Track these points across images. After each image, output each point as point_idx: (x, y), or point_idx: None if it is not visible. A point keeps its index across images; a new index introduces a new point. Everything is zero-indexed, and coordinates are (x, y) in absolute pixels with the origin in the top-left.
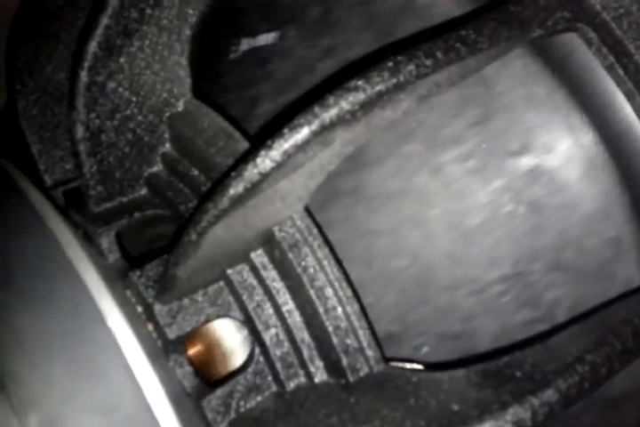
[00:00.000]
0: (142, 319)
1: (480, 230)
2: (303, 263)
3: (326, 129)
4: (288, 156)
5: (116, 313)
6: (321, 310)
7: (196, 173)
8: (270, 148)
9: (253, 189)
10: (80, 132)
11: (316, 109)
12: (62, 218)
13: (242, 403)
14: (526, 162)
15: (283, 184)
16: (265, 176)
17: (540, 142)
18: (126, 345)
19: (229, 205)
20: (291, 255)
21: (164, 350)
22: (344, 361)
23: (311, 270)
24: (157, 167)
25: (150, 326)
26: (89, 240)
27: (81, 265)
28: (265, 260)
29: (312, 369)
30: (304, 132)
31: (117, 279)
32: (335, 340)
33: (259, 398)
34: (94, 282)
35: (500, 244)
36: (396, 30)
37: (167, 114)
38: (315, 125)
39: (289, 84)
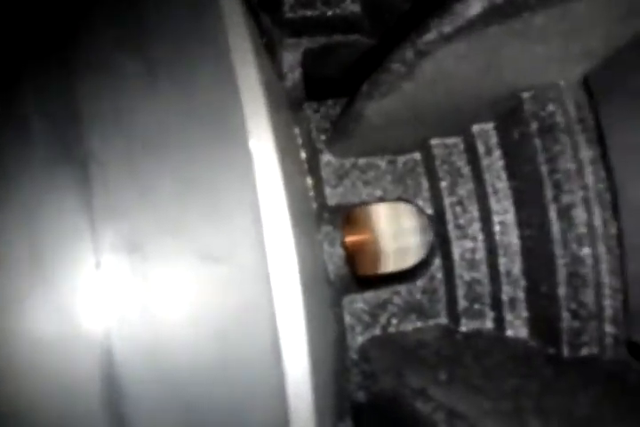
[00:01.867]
0: (301, 170)
1: None
2: (553, 156)
3: None
4: None
5: (265, 139)
6: (556, 233)
7: None
8: None
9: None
10: None
11: None
12: (245, 17)
13: (394, 321)
14: None
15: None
16: None
17: None
18: (266, 188)
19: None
20: (537, 141)
21: (317, 216)
22: (565, 326)
23: (560, 171)
24: None
25: (309, 181)
26: (270, 53)
27: (244, 76)
28: (493, 138)
29: (508, 317)
30: None
31: (286, 109)
32: (564, 291)
33: (419, 324)
34: (252, 98)
35: None
36: None
37: None
38: None
39: None
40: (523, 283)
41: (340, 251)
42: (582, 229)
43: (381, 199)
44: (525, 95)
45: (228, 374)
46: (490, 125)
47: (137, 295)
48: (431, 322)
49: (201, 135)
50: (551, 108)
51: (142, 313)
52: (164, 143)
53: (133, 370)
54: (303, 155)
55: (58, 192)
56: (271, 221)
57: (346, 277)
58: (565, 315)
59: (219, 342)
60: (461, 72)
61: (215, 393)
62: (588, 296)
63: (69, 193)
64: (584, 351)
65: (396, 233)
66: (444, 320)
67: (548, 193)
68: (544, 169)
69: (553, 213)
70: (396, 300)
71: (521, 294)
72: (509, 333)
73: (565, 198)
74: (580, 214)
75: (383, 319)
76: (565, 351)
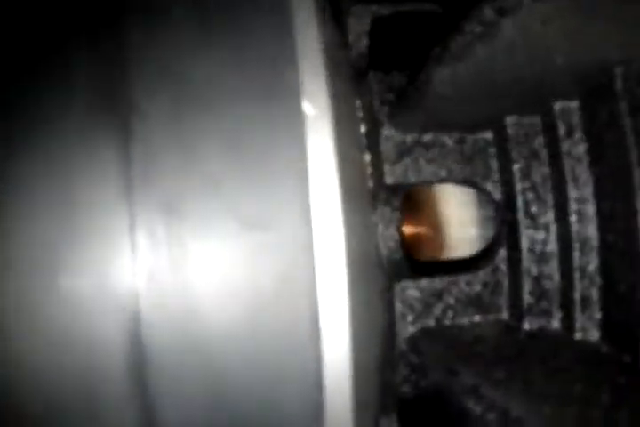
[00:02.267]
0: (359, 144)
1: None
2: None
3: None
4: None
5: (320, 102)
6: None
7: None
8: None
9: None
10: None
11: None
12: None
13: (450, 313)
14: None
15: None
16: None
17: None
18: (317, 156)
19: None
20: (628, 122)
21: (373, 195)
22: None
23: None
24: None
25: (367, 157)
26: (336, 21)
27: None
28: (576, 118)
29: (578, 318)
30: None
31: (349, 79)
32: None
33: (477, 319)
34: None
35: None
36: None
37: None
38: None
39: None
40: (598, 281)
41: (395, 234)
42: None
43: (445, 180)
44: (619, 70)
45: (259, 351)
46: (574, 103)
47: (171, 259)
48: (491, 317)
49: (252, 93)
50: None
51: (175, 278)
52: (212, 99)
53: (161, 337)
54: (363, 128)
55: (96, 141)
56: (319, 192)
57: (400, 262)
58: None
59: (253, 314)
60: (547, 36)
61: (245, 370)
62: None
63: (108, 144)
64: None
65: (460, 219)
66: (505, 316)
67: (637, 182)
68: (633, 154)
69: (639, 205)
70: (454, 290)
71: (595, 294)
72: (579, 335)
73: None
74: None
75: (437, 310)
76: None
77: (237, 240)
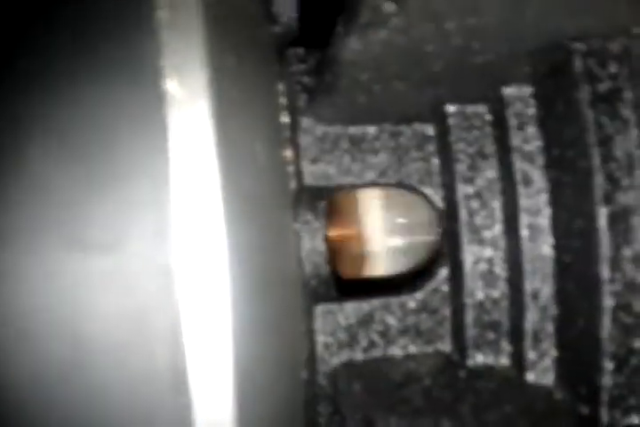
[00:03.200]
0: (278, 137)
1: None
2: (609, 136)
3: None
4: None
5: (192, 80)
6: (605, 246)
7: None
8: None
9: None
10: None
11: None
12: None
13: (380, 343)
14: None
15: None
16: None
17: None
18: (185, 150)
19: None
20: (589, 114)
21: (295, 198)
22: (607, 381)
23: (617, 159)
24: None
25: (289, 153)
26: None
27: None
28: (530, 109)
29: (530, 355)
30: None
31: (267, 58)
32: (609, 330)
33: (412, 350)
34: None
35: None
36: None
37: None
38: None
39: None
40: (554, 311)
41: (320, 246)
42: None
43: (376, 183)
44: (577, 46)
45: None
46: (526, 90)
47: None
48: (429, 349)
49: (97, 66)
50: (613, 66)
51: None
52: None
53: None
54: (285, 119)
55: None
56: (185, 200)
57: (325, 280)
58: (608, 365)
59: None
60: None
61: None
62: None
63: None
64: (630, 420)
65: (394, 230)
66: (446, 348)
67: (598, 189)
68: (595, 154)
69: (602, 219)
70: (385, 315)
71: (550, 326)
72: (530, 376)
73: (622, 198)
74: None
75: (365, 340)
76: (604, 416)
77: (69, 267)
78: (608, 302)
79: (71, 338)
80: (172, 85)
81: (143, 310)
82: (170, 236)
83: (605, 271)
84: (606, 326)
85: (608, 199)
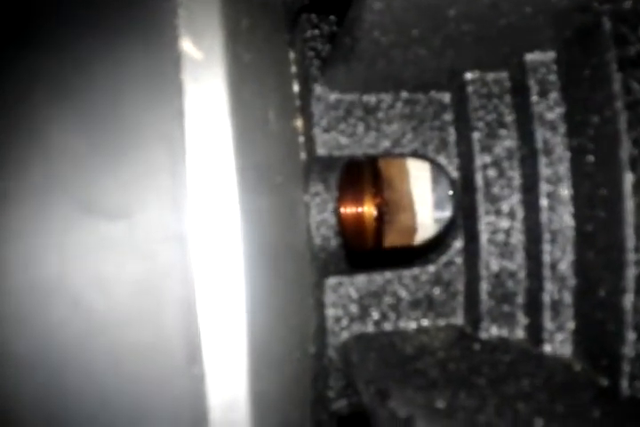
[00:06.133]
0: (289, 106)
1: None
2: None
3: None
4: None
5: (207, 45)
6: (629, 215)
7: None
8: None
9: None
10: None
11: None
12: None
13: (392, 316)
14: None
15: None
16: None
17: None
18: (199, 120)
19: None
20: (617, 78)
21: (305, 169)
22: (627, 351)
23: None
24: None
25: (299, 122)
26: None
27: None
28: (552, 75)
29: (547, 326)
30: None
31: (277, 25)
32: (631, 300)
33: (425, 323)
34: None
35: None
36: None
37: None
38: None
39: None
40: (572, 282)
41: (331, 218)
42: None
43: (390, 152)
44: (607, 8)
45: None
46: (550, 55)
47: None
48: (442, 322)
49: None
50: None
51: None
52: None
53: None
54: (296, 87)
55: None
56: (201, 167)
57: (335, 252)
58: (630, 336)
59: (108, 330)
60: None
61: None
62: None
63: None
64: None
65: (408, 200)
66: (459, 321)
67: (624, 156)
68: (622, 120)
69: (627, 187)
70: (398, 288)
71: (568, 297)
72: (547, 348)
73: None
74: None
75: (377, 313)
76: (624, 387)
77: (82, 232)
78: (632, 271)
79: (84, 307)
80: (187, 45)
81: (157, 278)
82: (184, 204)
83: (630, 240)
84: (629, 296)
85: (635, 165)
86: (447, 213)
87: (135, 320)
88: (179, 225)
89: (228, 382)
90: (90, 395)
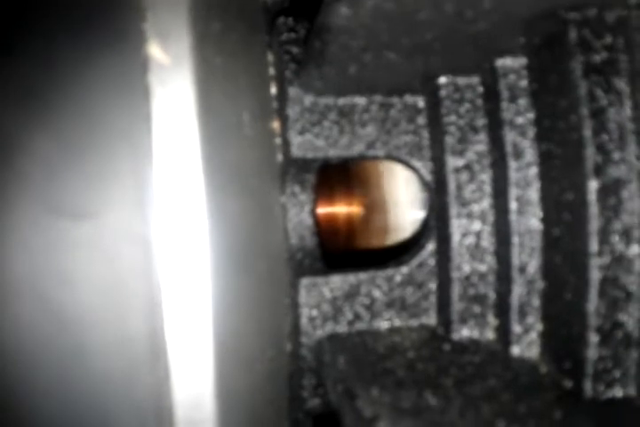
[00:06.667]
0: (266, 108)
1: None
2: (602, 108)
3: None
4: None
5: (176, 47)
6: (594, 220)
7: None
8: None
9: None
10: None
11: None
12: None
13: (365, 316)
14: None
15: None
16: None
17: None
18: (166, 121)
19: None
20: (583, 86)
21: (281, 171)
22: (591, 354)
23: (609, 132)
24: None
25: (276, 124)
26: None
27: None
28: (522, 80)
29: (515, 328)
30: None
31: (256, 27)
32: (595, 304)
33: (397, 323)
34: None
35: None
36: None
37: None
38: None
39: None
40: (540, 285)
41: (307, 219)
42: (633, 219)
43: (364, 155)
44: (572, 15)
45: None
46: (521, 61)
47: None
48: (414, 322)
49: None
50: (609, 37)
51: None
52: None
53: None
54: (273, 89)
55: None
56: (167, 170)
57: (311, 252)
58: (593, 338)
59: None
60: None
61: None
62: (630, 316)
63: None
64: (613, 393)
65: (381, 202)
66: (432, 322)
67: (589, 162)
68: (586, 126)
69: (592, 192)
70: (371, 288)
71: (536, 300)
72: (515, 350)
73: (613, 171)
74: (631, 196)
75: (350, 313)
76: (587, 389)
77: (46, 233)
78: (595, 275)
79: (52, 306)
80: (154, 49)
81: (122, 278)
82: (149, 205)
83: (594, 244)
84: (593, 299)
85: (598, 172)
86: (422, 215)
87: (101, 319)
88: (144, 226)
89: (194, 379)
90: (56, 393)
